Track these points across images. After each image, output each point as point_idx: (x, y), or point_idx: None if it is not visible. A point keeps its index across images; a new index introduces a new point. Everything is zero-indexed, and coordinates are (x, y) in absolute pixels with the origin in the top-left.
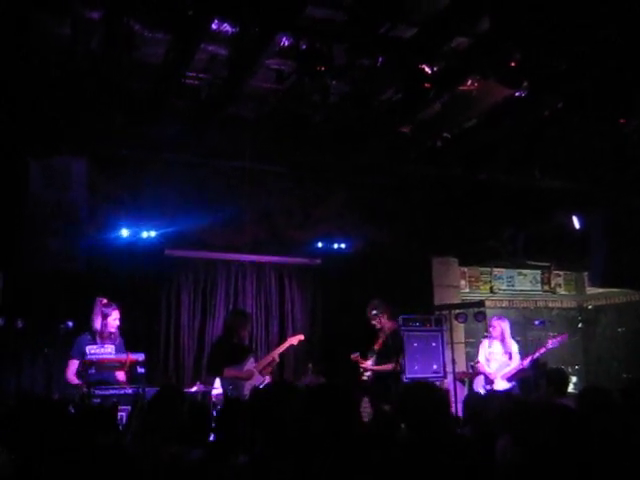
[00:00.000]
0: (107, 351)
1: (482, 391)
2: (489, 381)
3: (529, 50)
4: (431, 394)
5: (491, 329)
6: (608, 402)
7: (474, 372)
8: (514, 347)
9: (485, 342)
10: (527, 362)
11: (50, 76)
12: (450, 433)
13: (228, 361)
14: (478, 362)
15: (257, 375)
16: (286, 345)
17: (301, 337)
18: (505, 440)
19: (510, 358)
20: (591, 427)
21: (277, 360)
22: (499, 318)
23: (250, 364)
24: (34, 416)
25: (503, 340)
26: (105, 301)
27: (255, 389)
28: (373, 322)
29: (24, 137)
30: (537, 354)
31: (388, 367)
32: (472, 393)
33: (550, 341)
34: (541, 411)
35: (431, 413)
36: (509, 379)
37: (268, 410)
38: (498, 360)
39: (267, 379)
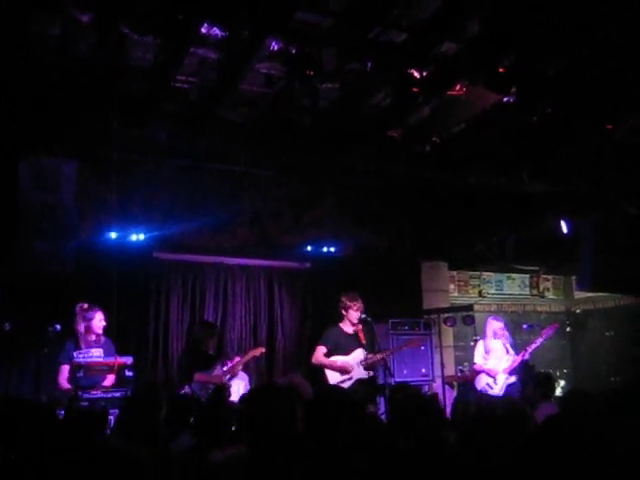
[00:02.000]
0: (95, 354)
1: (488, 389)
2: (491, 377)
3: (518, 54)
4: (422, 401)
5: (490, 329)
6: (591, 405)
7: (472, 373)
8: (508, 344)
9: (480, 342)
10: (528, 353)
11: (40, 78)
12: (437, 439)
13: (197, 368)
14: (475, 364)
15: (225, 381)
16: (248, 357)
17: (262, 349)
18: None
19: (508, 353)
20: (573, 431)
21: (237, 374)
22: (495, 318)
23: (218, 370)
24: (21, 419)
25: (500, 338)
26: (85, 306)
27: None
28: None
29: (14, 138)
30: (534, 345)
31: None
32: (460, 397)
33: (544, 332)
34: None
35: (421, 419)
36: (510, 372)
37: (257, 411)
38: (498, 356)
39: (246, 379)
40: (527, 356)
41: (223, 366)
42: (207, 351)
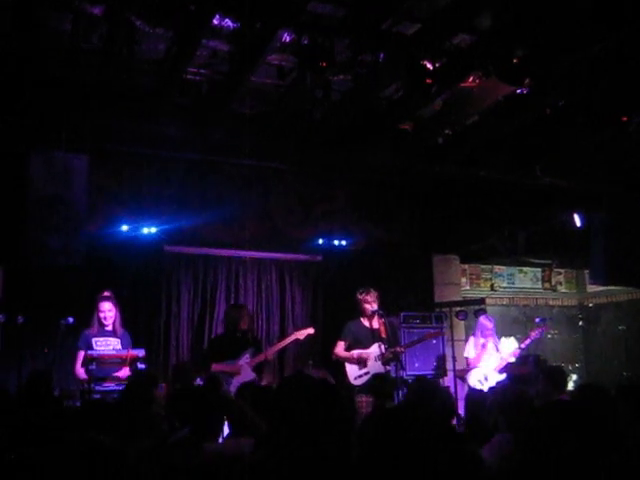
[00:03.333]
0: (112, 345)
1: (479, 385)
2: (483, 374)
3: (531, 48)
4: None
5: (480, 327)
6: (604, 399)
7: (463, 369)
8: (501, 342)
9: (471, 339)
10: (517, 353)
11: (52, 72)
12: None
13: (220, 356)
14: (467, 358)
15: (249, 371)
16: (290, 339)
17: (310, 331)
18: (502, 437)
19: (498, 351)
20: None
21: (270, 359)
22: (486, 317)
23: (244, 359)
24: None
25: (492, 336)
26: (103, 294)
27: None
28: (371, 308)
29: (26, 133)
30: (523, 345)
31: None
32: (472, 390)
33: (532, 332)
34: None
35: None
36: (501, 371)
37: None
38: (490, 355)
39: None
40: (516, 356)
41: (253, 356)
42: (242, 335)
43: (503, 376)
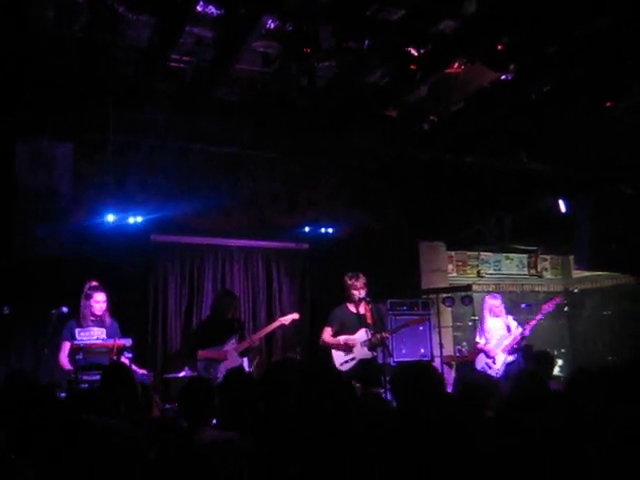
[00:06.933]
0: (97, 335)
1: (487, 368)
2: (490, 357)
3: (516, 33)
4: (426, 373)
5: (488, 308)
6: (596, 385)
7: (473, 353)
8: (511, 322)
9: (480, 325)
10: (527, 330)
11: (35, 61)
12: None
13: (206, 342)
14: (477, 343)
15: (235, 356)
16: (275, 325)
17: (295, 316)
18: None
19: (509, 331)
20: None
21: (256, 344)
22: (492, 296)
23: (230, 345)
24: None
25: (499, 316)
26: (92, 284)
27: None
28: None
29: (10, 122)
30: (534, 321)
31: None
32: (461, 375)
33: (544, 306)
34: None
35: (426, 391)
36: (510, 352)
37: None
38: (497, 335)
39: (244, 361)
40: (527, 333)
41: (239, 341)
42: (226, 322)
43: (512, 357)
